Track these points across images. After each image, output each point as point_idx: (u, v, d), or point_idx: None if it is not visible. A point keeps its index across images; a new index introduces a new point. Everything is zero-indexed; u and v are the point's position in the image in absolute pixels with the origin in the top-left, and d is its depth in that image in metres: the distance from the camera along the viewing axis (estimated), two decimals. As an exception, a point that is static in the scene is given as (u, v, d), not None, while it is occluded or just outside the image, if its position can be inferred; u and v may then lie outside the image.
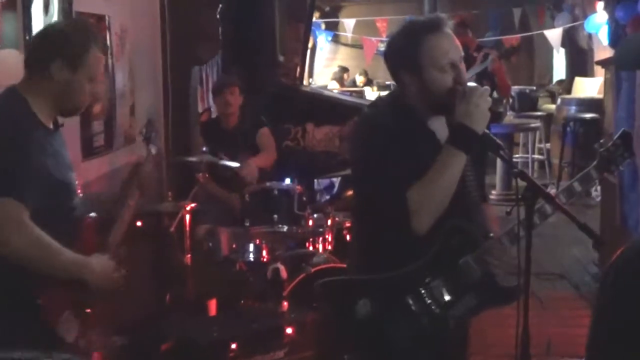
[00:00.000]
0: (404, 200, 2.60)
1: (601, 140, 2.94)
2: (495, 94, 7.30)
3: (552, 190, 9.40)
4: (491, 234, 2.78)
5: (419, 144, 2.71)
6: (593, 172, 2.81)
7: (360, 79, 15.90)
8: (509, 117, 11.64)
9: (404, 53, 2.73)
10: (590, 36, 12.66)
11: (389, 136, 2.68)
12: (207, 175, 5.62)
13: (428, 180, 2.63)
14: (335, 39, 16.54)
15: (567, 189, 2.78)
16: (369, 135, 2.75)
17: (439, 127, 2.78)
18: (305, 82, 12.20)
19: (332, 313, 2.86)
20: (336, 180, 7.80)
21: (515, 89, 12.67)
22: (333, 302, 2.82)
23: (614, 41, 6.95)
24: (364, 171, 2.79)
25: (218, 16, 7.33)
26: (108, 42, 5.01)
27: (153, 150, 3.53)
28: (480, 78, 7.20)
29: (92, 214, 3.01)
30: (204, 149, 5.62)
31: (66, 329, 2.75)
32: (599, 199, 7.76)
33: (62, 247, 2.70)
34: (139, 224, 3.26)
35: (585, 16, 12.22)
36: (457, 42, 2.75)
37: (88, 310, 2.86)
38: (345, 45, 16.65)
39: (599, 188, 8.52)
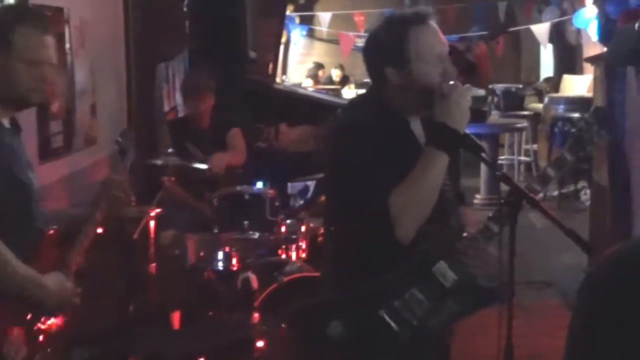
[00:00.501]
0: (385, 206, 2.60)
1: (574, 121, 2.93)
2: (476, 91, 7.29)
3: (539, 195, 9.35)
4: (464, 234, 2.78)
5: (399, 146, 2.71)
6: (567, 154, 2.81)
7: (336, 73, 15.90)
8: (494, 117, 11.69)
9: (389, 47, 2.73)
10: (579, 31, 12.75)
11: (369, 137, 2.68)
12: (173, 179, 5.60)
13: (410, 184, 2.63)
14: (310, 34, 16.56)
15: (541, 176, 2.79)
16: (347, 136, 2.75)
17: (420, 128, 2.79)
18: (278, 80, 12.22)
19: (304, 339, 2.87)
20: (311, 184, 7.78)
21: (500, 87, 12.73)
22: (303, 329, 2.83)
23: (603, 37, 6.99)
24: (340, 175, 2.78)
25: (185, 9, 7.31)
26: (67, 36, 4.98)
27: (127, 164, 3.49)
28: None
29: (54, 227, 2.98)
30: (170, 150, 5.60)
31: (14, 348, 2.71)
32: (588, 202, 7.82)
33: (18, 260, 2.67)
34: (100, 231, 3.23)
35: (574, 10, 12.31)
36: (442, 37, 2.76)
37: (40, 327, 2.83)
38: (321, 40, 16.66)
39: (588, 191, 8.59)
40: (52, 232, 2.96)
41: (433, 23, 2.75)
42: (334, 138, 2.86)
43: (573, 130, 2.81)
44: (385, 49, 2.75)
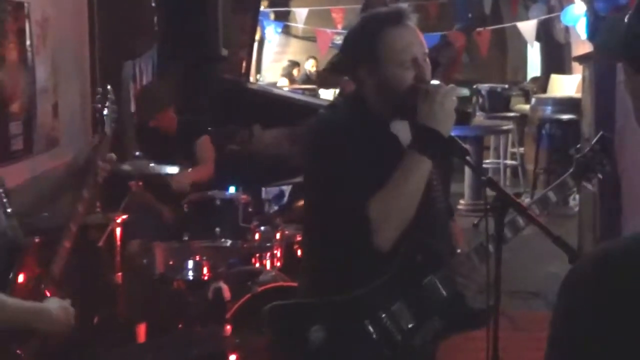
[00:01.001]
0: (364, 212, 2.60)
1: (578, 146, 2.99)
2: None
3: (525, 200, 9.51)
4: (458, 250, 2.80)
5: (380, 150, 2.72)
6: (569, 180, 2.85)
7: (311, 64, 15.88)
8: (479, 118, 11.76)
9: (362, 45, 2.75)
10: (567, 29, 12.84)
11: (347, 140, 2.69)
12: (140, 183, 5.59)
13: (390, 189, 2.63)
14: (286, 31, 16.57)
15: (541, 199, 2.82)
16: (325, 139, 2.76)
17: (402, 131, 2.80)
18: (252, 79, 12.21)
19: (281, 342, 2.83)
20: (286, 189, 7.78)
21: (485, 87, 12.80)
22: (282, 329, 2.80)
23: (593, 35, 7.05)
24: (318, 179, 2.79)
25: (154, 4, 7.30)
26: (27, 32, 4.96)
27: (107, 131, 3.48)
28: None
29: (28, 238, 2.96)
30: (138, 153, 5.59)
31: None
32: (577, 208, 7.87)
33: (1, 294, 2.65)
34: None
35: (562, 7, 12.40)
36: (421, 38, 2.77)
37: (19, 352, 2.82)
38: (297, 37, 16.69)
39: (577, 197, 8.64)
40: (28, 243, 2.94)
41: (410, 23, 2.77)
42: (310, 140, 2.88)
43: (578, 156, 2.86)
44: (358, 47, 2.78)
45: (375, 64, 2.72)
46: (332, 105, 2.99)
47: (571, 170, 2.87)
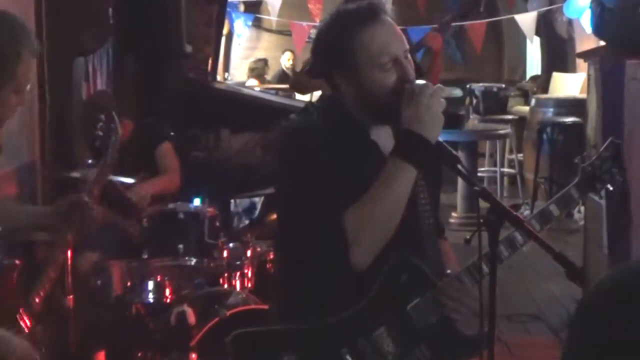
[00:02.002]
0: (340, 225, 2.60)
1: (584, 153, 3.01)
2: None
3: (525, 212, 9.53)
4: (448, 271, 2.81)
5: (358, 158, 2.73)
6: (574, 191, 2.88)
7: (287, 56, 15.85)
8: (472, 122, 11.78)
9: (335, 50, 2.75)
10: (570, 22, 12.90)
11: (322, 147, 2.70)
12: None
13: (369, 200, 2.64)
14: (257, 24, 16.56)
15: (542, 213, 2.84)
16: (298, 145, 2.76)
17: (384, 137, 2.80)
18: (219, 78, 12.20)
19: None
20: (258, 201, 7.79)
21: (479, 87, 12.83)
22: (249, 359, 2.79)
23: (598, 29, 7.09)
24: (288, 190, 2.79)
25: (108, -5, 7.29)
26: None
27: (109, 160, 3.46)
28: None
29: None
30: (90, 161, 5.57)
31: None
32: (582, 222, 7.90)
33: None
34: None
35: (564, -2, 12.47)
36: (400, 33, 2.77)
37: None
38: (270, 31, 16.69)
39: (582, 208, 8.67)
40: (17, 262, 2.94)
41: (387, 17, 2.77)
42: (279, 147, 2.88)
43: (584, 165, 2.88)
44: (331, 52, 2.78)
45: (352, 71, 2.73)
46: (305, 108, 2.96)
47: (576, 180, 2.89)
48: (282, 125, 2.85)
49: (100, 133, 3.52)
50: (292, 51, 15.59)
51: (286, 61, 15.86)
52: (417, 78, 2.77)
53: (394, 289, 2.71)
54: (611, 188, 2.95)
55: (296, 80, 8.06)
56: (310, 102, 3.07)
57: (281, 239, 2.99)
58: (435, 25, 7.69)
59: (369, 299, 2.69)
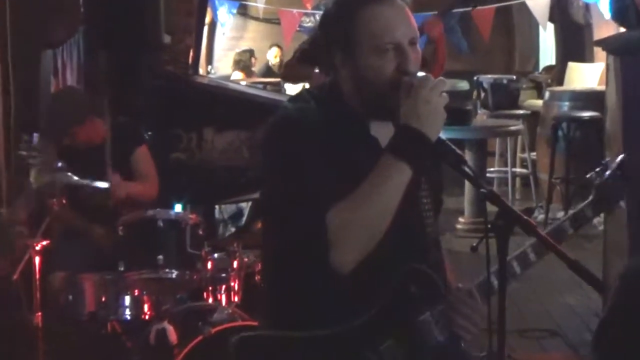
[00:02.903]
0: (322, 225, 2.61)
1: (597, 169, 3.04)
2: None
3: (538, 217, 9.52)
4: (459, 284, 2.82)
5: (355, 155, 2.74)
6: (587, 210, 2.91)
7: (274, 53, 15.84)
8: (481, 117, 11.80)
9: (336, 26, 2.77)
10: (587, 7, 12.93)
11: (314, 140, 2.70)
12: (64, 202, 5.57)
13: (355, 199, 2.64)
14: (243, 12, 16.56)
15: (556, 231, 2.87)
16: (286, 138, 2.76)
17: (385, 134, 2.81)
18: (201, 71, 12.20)
19: None
20: (245, 206, 7.81)
21: (488, 79, 12.85)
22: None
23: (618, 13, 7.10)
24: (274, 189, 2.80)
25: (78, -20, 7.30)
26: None
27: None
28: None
29: None
30: (60, 164, 5.57)
31: None
32: (601, 227, 7.92)
33: None
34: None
35: (580, -20, 12.50)
36: (411, 19, 2.78)
37: None
38: (256, 19, 16.68)
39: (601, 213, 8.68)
40: None
41: (400, 1, 2.78)
42: (266, 140, 2.87)
43: (598, 182, 2.92)
44: (333, 27, 2.79)
45: (350, 49, 2.74)
46: (298, 97, 2.94)
47: (590, 199, 2.93)
48: (272, 117, 2.84)
49: (24, 153, 3.48)
50: (279, 46, 15.57)
51: (272, 57, 15.84)
52: (420, 69, 2.78)
53: (404, 299, 2.72)
54: (624, 207, 3.00)
55: (287, 69, 8.05)
56: (307, 89, 3.06)
57: (267, 245, 2.99)
58: (434, 12, 7.68)
59: (378, 309, 2.70)
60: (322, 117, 2.76)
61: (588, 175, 2.99)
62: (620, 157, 2.99)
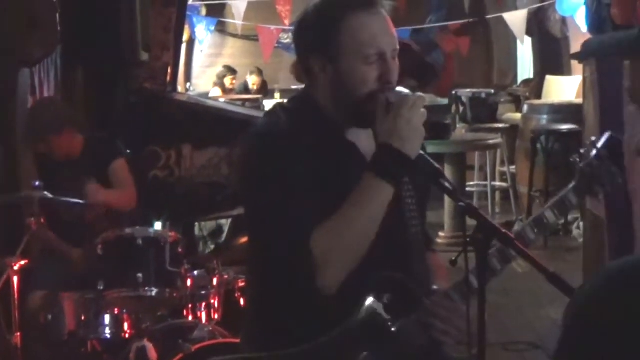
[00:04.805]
0: (308, 247, 2.59)
1: (581, 150, 3.00)
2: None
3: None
4: (435, 287, 2.81)
5: (335, 161, 2.73)
6: (572, 195, 2.88)
7: (252, 80, 15.85)
8: (460, 131, 11.83)
9: (318, 30, 2.76)
10: (564, 21, 12.98)
11: (292, 152, 2.69)
12: (42, 220, 5.55)
13: (340, 220, 2.63)
14: (221, 29, 16.59)
15: (537, 220, 2.85)
16: (264, 152, 2.75)
17: (363, 138, 2.81)
18: (180, 89, 12.19)
19: None
20: (225, 223, 7.80)
21: (467, 92, 12.88)
22: None
23: (595, 26, 7.13)
24: (257, 205, 2.78)
25: (55, -1, 7.29)
26: None
27: None
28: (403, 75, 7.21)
29: None
30: (37, 183, 5.55)
31: None
32: (581, 239, 7.94)
33: None
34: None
35: (557, -7, 12.54)
36: (393, 31, 2.78)
37: None
38: (235, 36, 16.71)
39: (581, 224, 8.71)
40: None
41: (383, 11, 2.77)
42: (245, 154, 2.86)
43: (582, 165, 2.88)
44: (313, 32, 2.77)
45: (333, 55, 2.73)
46: (272, 112, 2.93)
47: (574, 182, 2.90)
48: (248, 134, 2.82)
49: None
50: (259, 70, 15.57)
51: (251, 84, 15.81)
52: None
53: (379, 309, 2.71)
54: (610, 190, 2.96)
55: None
56: (278, 104, 3.05)
57: (252, 259, 2.98)
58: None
59: (350, 322, 2.68)
60: (297, 127, 2.75)
61: (571, 158, 2.97)
62: (607, 135, 2.97)
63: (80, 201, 5.42)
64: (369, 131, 2.77)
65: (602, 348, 1.45)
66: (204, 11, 16.15)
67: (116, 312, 4.91)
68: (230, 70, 15.92)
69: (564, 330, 1.52)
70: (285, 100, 3.01)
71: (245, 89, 15.77)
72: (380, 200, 2.66)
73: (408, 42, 7.78)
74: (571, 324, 1.52)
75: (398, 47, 2.79)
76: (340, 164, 2.74)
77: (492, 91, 13.59)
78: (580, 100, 8.43)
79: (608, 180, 2.93)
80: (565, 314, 1.55)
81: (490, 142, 10.88)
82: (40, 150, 5.78)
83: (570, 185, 2.93)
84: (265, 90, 15.73)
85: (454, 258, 2.61)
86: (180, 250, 5.15)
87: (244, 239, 5.14)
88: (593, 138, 3.02)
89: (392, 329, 2.72)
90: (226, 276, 5.22)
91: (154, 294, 4.95)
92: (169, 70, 8.36)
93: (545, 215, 2.87)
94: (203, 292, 5.09)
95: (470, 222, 2.58)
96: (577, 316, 1.51)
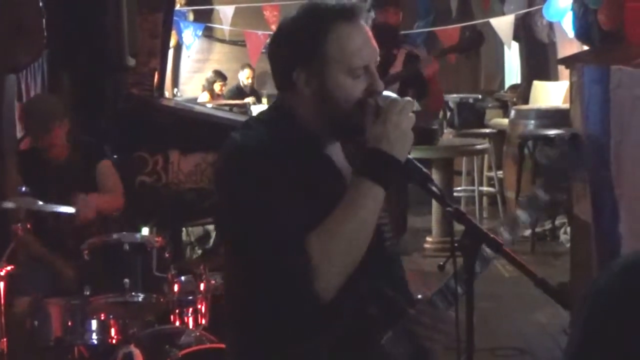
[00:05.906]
0: (303, 253, 2.57)
1: (541, 148, 3.05)
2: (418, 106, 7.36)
3: (505, 235, 9.49)
4: (419, 296, 2.80)
5: (311, 173, 2.71)
6: (540, 192, 2.90)
7: (246, 74, 15.81)
8: (447, 137, 11.84)
9: (303, 41, 2.72)
10: (551, 26, 13.00)
11: (268, 164, 2.66)
12: (28, 227, 5.54)
13: (335, 223, 2.62)
14: (208, 34, 16.56)
15: (509, 220, 2.87)
16: (239, 166, 2.72)
17: (336, 152, 2.81)
18: (167, 94, 12.18)
19: None
20: (212, 229, 7.77)
21: (454, 98, 12.89)
22: None
23: (581, 32, 7.14)
24: (234, 219, 2.75)
25: (41, 4, 7.26)
26: None
27: None
28: (405, 86, 7.24)
29: None
30: (24, 189, 5.54)
31: None
32: (568, 244, 7.95)
33: None
34: None
35: (544, 0, 12.55)
36: (374, 43, 2.77)
37: None
38: (222, 41, 16.68)
39: (568, 229, 8.72)
40: None
41: (364, 22, 2.76)
42: (223, 167, 2.82)
43: (545, 162, 2.91)
44: (298, 43, 2.73)
45: (318, 66, 2.70)
46: (246, 123, 2.90)
47: (540, 181, 2.92)
48: (223, 145, 2.79)
49: None
50: (250, 67, 15.56)
51: (245, 78, 15.80)
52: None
53: (362, 322, 2.69)
54: (572, 183, 3.01)
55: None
56: (252, 117, 3.02)
57: (229, 269, 2.96)
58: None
59: (335, 335, 2.67)
60: (272, 140, 2.71)
61: (537, 157, 3.01)
62: (570, 131, 2.99)
63: (68, 211, 5.41)
64: (338, 146, 2.79)
65: (621, 338, 1.47)
66: (191, 16, 16.13)
67: (103, 318, 4.91)
68: (221, 76, 15.88)
69: (579, 322, 1.54)
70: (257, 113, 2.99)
71: (238, 90, 15.71)
72: (372, 202, 2.64)
73: (417, 51, 7.77)
74: (588, 315, 1.55)
75: (379, 58, 2.77)
76: (316, 174, 2.73)
77: (480, 96, 13.62)
78: (567, 106, 8.44)
79: (570, 173, 2.95)
80: (578, 307, 1.57)
81: (478, 147, 10.89)
82: (39, 145, 5.80)
83: (538, 183, 2.94)
84: (255, 93, 15.67)
85: (441, 263, 2.60)
86: (167, 255, 5.15)
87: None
88: (552, 135, 3.08)
89: (378, 341, 2.71)
90: (213, 282, 5.22)
91: (140, 299, 4.94)
92: (156, 76, 8.35)
93: (517, 214, 2.88)
94: (190, 298, 5.09)
95: (458, 227, 2.58)
96: (594, 308, 1.54)
